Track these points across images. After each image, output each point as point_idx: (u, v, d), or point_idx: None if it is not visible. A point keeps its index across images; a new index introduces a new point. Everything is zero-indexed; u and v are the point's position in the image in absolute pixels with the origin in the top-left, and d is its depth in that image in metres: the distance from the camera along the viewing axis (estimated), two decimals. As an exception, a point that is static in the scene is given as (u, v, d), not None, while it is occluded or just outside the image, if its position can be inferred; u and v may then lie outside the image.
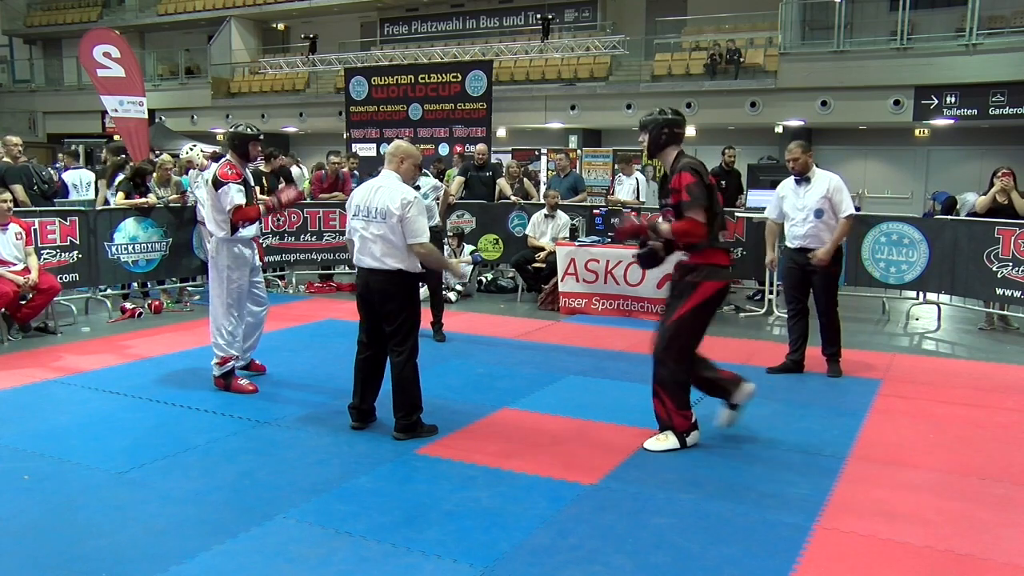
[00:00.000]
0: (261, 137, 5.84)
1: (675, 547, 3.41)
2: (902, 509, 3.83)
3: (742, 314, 8.84)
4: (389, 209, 4.55)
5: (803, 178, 6.19)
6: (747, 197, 8.83)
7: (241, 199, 5.51)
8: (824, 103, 17.61)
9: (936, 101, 16.52)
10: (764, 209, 8.42)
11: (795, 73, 17.70)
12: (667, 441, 4.62)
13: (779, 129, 19.55)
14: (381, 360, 4.81)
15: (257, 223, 5.86)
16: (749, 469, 4.32)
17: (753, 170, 9.21)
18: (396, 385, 4.70)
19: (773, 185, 8.47)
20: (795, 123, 18.90)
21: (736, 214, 9.08)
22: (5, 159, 8.99)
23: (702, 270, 4.52)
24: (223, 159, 5.74)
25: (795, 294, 6.42)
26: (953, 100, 16.39)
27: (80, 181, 10.83)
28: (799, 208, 6.18)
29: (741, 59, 18.48)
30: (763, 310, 8.83)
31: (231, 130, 5.79)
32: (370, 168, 11.70)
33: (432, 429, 4.79)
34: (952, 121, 16.79)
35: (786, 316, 6.64)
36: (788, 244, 6.36)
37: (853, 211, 6.22)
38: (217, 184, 5.51)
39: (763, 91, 18.26)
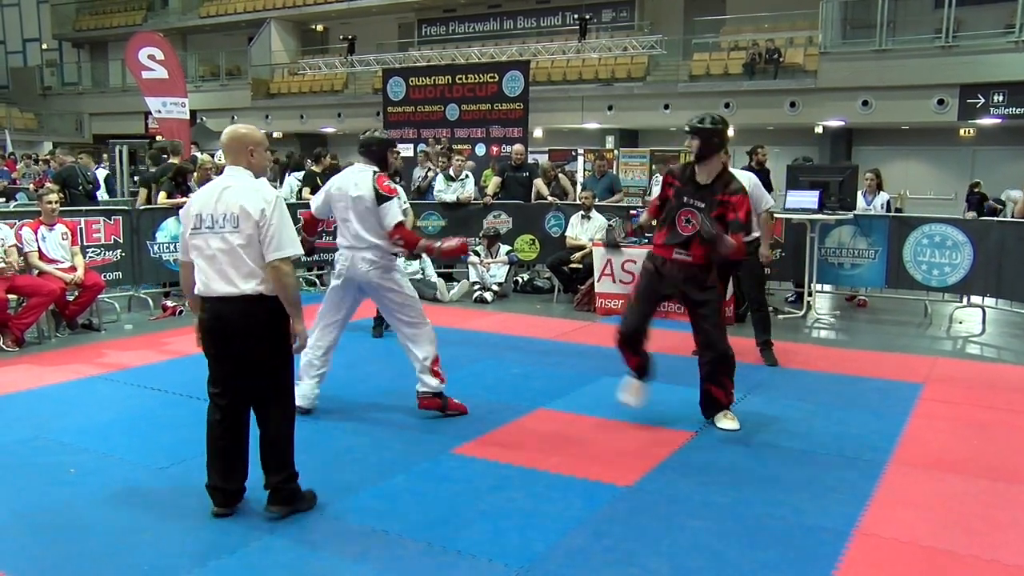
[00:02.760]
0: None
1: (711, 551, 3.39)
2: (946, 516, 3.75)
3: (780, 316, 8.74)
4: (244, 212, 3.48)
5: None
6: (786, 198, 8.72)
7: (401, 216, 4.91)
8: (865, 103, 17.36)
9: (982, 100, 16.20)
10: (803, 210, 8.36)
11: (836, 72, 17.46)
12: (735, 420, 4.94)
13: (819, 129, 19.31)
14: (244, 418, 3.67)
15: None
16: (787, 472, 4.27)
17: (791, 171, 9.10)
18: (268, 445, 3.64)
19: (812, 186, 8.43)
20: (835, 123, 18.66)
21: (775, 215, 8.96)
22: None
23: (712, 268, 4.88)
24: (365, 168, 4.97)
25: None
26: (1000, 99, 16.05)
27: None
28: None
29: (780, 58, 18.28)
30: (801, 312, 8.72)
31: (368, 135, 5.11)
32: (411, 167, 11.78)
33: (311, 497, 3.74)
34: (999, 120, 16.44)
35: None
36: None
37: (773, 204, 6.74)
38: (381, 199, 4.80)
39: (803, 91, 18.04)
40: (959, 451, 4.64)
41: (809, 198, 8.32)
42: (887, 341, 7.62)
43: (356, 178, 4.91)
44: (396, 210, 4.85)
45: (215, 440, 3.64)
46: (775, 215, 8.84)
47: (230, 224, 3.51)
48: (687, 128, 4.80)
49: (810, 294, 8.66)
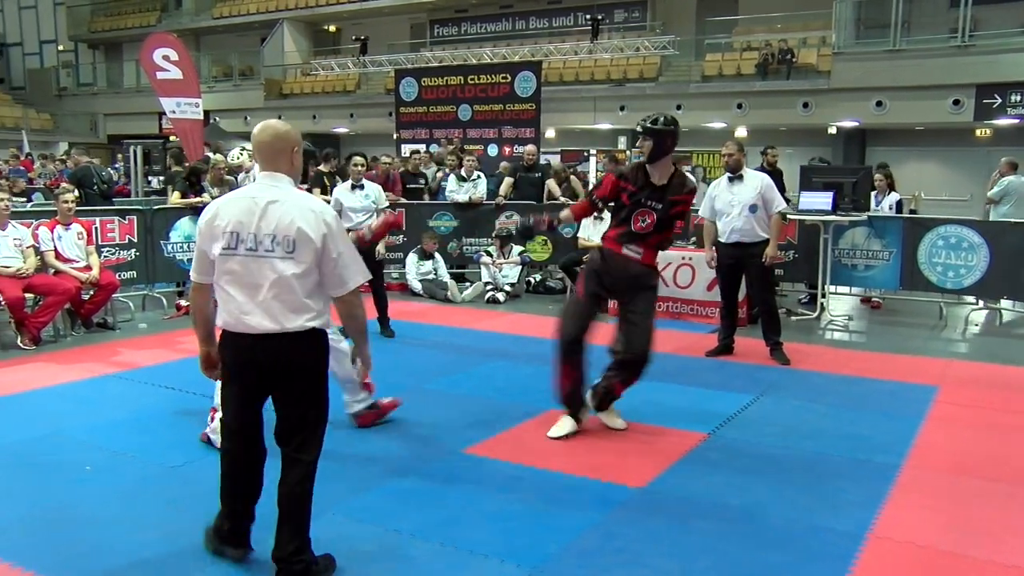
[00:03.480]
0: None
1: (722, 553, 3.38)
2: (963, 521, 3.72)
3: (793, 318, 8.70)
4: (303, 237, 2.90)
5: (736, 176, 6.60)
6: (799, 199, 8.69)
7: None
8: (879, 103, 17.25)
9: (999, 100, 16.06)
10: (816, 212, 8.32)
11: (849, 73, 17.36)
12: (621, 418, 4.97)
13: (832, 130, 19.21)
14: (261, 457, 3.20)
15: None
16: (800, 475, 4.25)
17: (804, 171, 9.06)
18: (289, 505, 3.04)
19: (826, 187, 8.40)
20: (849, 124, 18.57)
21: (788, 216, 8.94)
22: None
23: (656, 272, 4.98)
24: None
25: (728, 286, 6.87)
26: (1017, 99, 15.92)
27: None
28: (732, 204, 6.54)
29: (793, 59, 18.20)
30: (815, 314, 8.68)
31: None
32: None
33: (329, 562, 3.18)
34: (1016, 120, 16.30)
35: (719, 307, 7.10)
36: (722, 240, 6.64)
37: (785, 206, 6.77)
38: None
39: (816, 91, 17.95)
40: (975, 454, 4.61)
41: (823, 199, 8.28)
42: (901, 343, 7.58)
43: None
44: None
45: (233, 476, 3.17)
46: (789, 216, 8.87)
47: (282, 249, 2.90)
48: (639, 128, 4.72)
49: (823, 296, 8.63)
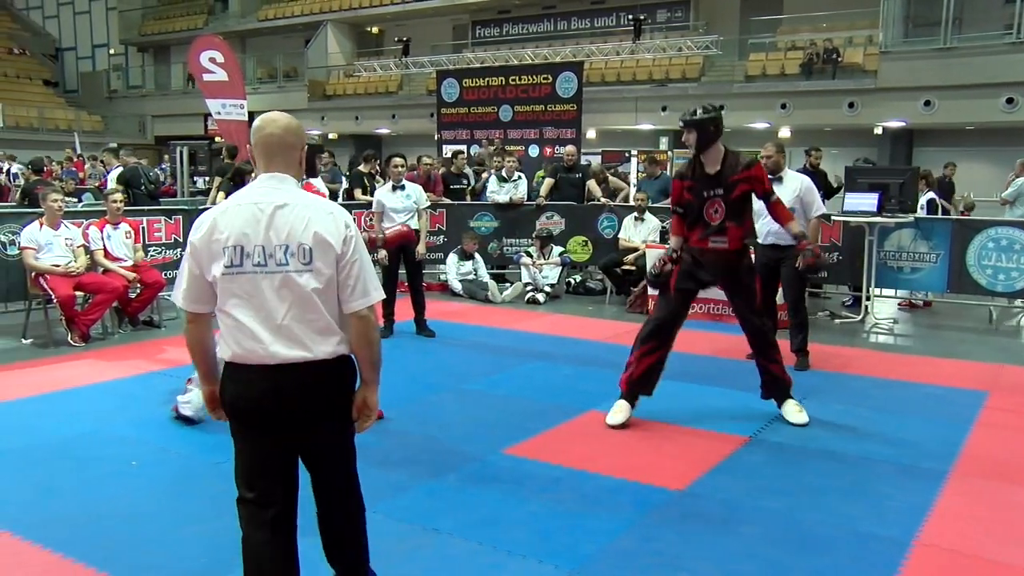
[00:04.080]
0: None
1: (764, 558, 3.33)
2: (1011, 530, 3.63)
3: (837, 320, 8.57)
4: (321, 243, 2.45)
5: (775, 177, 6.43)
6: (844, 200, 8.55)
7: None
8: (927, 103, 16.92)
9: (1055, 98, 15.67)
10: (861, 213, 8.18)
11: (896, 72, 17.06)
12: (804, 412, 5.02)
13: (878, 130, 18.89)
14: (291, 529, 2.64)
15: None
16: (843, 479, 4.18)
17: (850, 172, 8.92)
18: (336, 546, 2.80)
19: (872, 188, 8.25)
20: (896, 124, 18.23)
21: (832, 218, 8.82)
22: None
23: (746, 252, 5.03)
24: None
25: (765, 288, 6.68)
26: (1074, 96, 15.52)
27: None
28: None
29: (839, 58, 17.93)
30: (859, 316, 8.54)
31: None
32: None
33: None
34: (1073, 119, 15.90)
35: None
36: (760, 241, 6.50)
37: (824, 211, 6.69)
38: None
39: (862, 91, 17.67)
40: (1025, 462, 4.49)
41: (868, 200, 8.15)
42: (949, 347, 7.42)
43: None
44: None
45: (262, 567, 2.57)
46: (833, 218, 8.74)
47: (298, 260, 2.44)
48: (681, 123, 4.82)
49: (868, 298, 8.48)
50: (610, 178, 11.12)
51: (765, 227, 6.47)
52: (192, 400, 4.81)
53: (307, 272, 2.44)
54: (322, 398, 2.50)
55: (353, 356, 2.57)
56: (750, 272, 5.07)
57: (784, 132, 19.88)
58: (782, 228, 6.26)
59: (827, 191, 9.81)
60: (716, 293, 8.29)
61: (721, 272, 4.97)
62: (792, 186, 6.49)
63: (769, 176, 6.52)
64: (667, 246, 5.23)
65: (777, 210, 5.12)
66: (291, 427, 2.49)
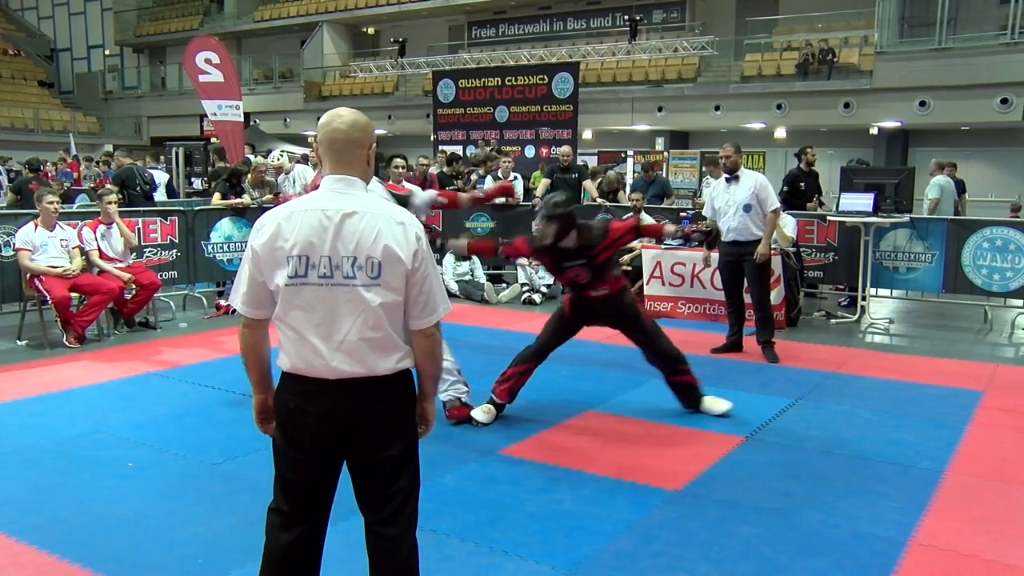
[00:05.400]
0: None
1: (762, 557, 3.34)
2: (1009, 529, 3.64)
3: (833, 321, 8.58)
4: (392, 257, 2.29)
5: (732, 176, 6.77)
6: (839, 201, 8.56)
7: None
8: (923, 103, 16.96)
9: (1049, 98, 15.71)
10: (856, 213, 8.20)
11: (892, 72, 17.10)
12: (721, 399, 5.26)
13: (874, 131, 18.93)
14: (320, 542, 2.53)
15: None
16: (840, 479, 4.19)
17: (845, 173, 8.93)
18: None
19: (867, 188, 8.27)
20: (891, 124, 18.28)
21: (828, 218, 8.84)
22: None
23: (625, 289, 5.32)
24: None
25: (730, 284, 6.98)
26: (1070, 97, 15.56)
27: (159, 181, 11.51)
28: (729, 204, 6.75)
29: (835, 59, 17.97)
30: (855, 316, 8.55)
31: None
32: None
33: None
34: (1067, 119, 15.94)
35: (726, 307, 7.24)
36: (722, 239, 6.74)
37: (778, 205, 6.82)
38: None
39: (857, 91, 17.71)
40: (1021, 461, 4.50)
41: (864, 200, 8.16)
42: (945, 347, 7.43)
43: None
44: None
45: (283, 567, 2.46)
46: (829, 219, 8.76)
47: (365, 274, 2.28)
48: (544, 217, 4.92)
49: (864, 298, 8.49)
50: (609, 173, 11.13)
51: (726, 224, 6.72)
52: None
53: (375, 287, 2.28)
54: (379, 414, 2.36)
55: (413, 370, 2.45)
56: (634, 304, 5.33)
57: (780, 132, 19.92)
58: (740, 227, 6.67)
59: (816, 190, 9.86)
60: (711, 292, 8.36)
61: (611, 314, 5.22)
62: (747, 184, 6.70)
63: (727, 175, 6.83)
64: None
65: (650, 231, 5.53)
66: (345, 441, 2.36)
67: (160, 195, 11.68)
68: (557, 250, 5.01)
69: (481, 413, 5.06)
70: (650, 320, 5.40)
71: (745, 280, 6.85)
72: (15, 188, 11.73)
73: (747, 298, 7.05)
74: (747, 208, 6.66)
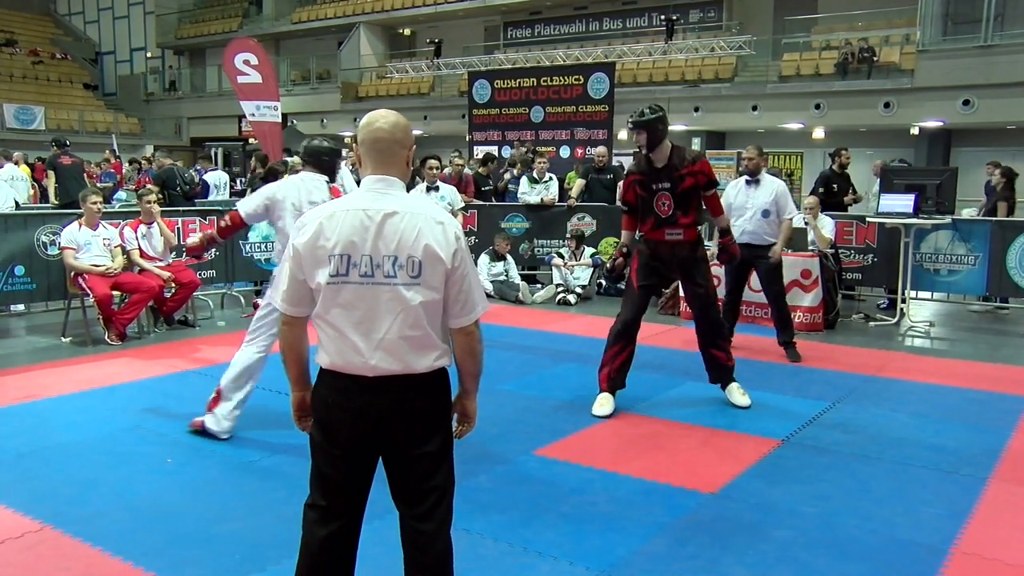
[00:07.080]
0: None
1: (799, 562, 3.30)
2: (1051, 536, 3.56)
3: (872, 323, 8.46)
4: (432, 256, 2.34)
5: (754, 179, 6.77)
6: (879, 201, 8.43)
7: None
8: (967, 102, 16.63)
9: (1101, 95, 15.32)
10: (896, 215, 8.06)
11: (934, 71, 16.78)
12: (747, 395, 5.35)
13: (915, 131, 18.60)
14: (356, 537, 2.55)
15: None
16: (879, 484, 4.12)
17: (886, 173, 8.79)
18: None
19: (908, 189, 8.14)
20: (933, 124, 17.95)
21: (867, 219, 8.71)
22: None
23: (700, 243, 5.36)
24: (316, 178, 4.87)
25: (735, 285, 7.03)
26: (1120, 94, 15.16)
27: (220, 182, 11.60)
28: (747, 206, 6.73)
29: (875, 57, 17.68)
30: (894, 319, 8.41)
31: (315, 144, 4.97)
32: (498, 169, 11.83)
33: None
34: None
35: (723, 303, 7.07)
36: (735, 240, 6.70)
37: (796, 214, 6.91)
38: None
39: (898, 91, 17.41)
40: (1067, 468, 4.40)
41: (904, 202, 8.03)
42: (989, 351, 7.28)
43: (309, 187, 4.73)
44: None
45: (322, 560, 2.49)
46: (868, 220, 8.64)
47: (406, 273, 2.33)
48: (630, 124, 5.08)
49: (904, 301, 8.36)
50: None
51: (740, 226, 6.68)
52: (218, 413, 4.71)
53: (415, 286, 2.33)
54: (416, 411, 2.40)
55: (450, 367, 2.47)
56: (705, 263, 5.37)
57: (818, 133, 19.66)
58: (756, 231, 6.63)
59: (847, 192, 9.73)
60: (747, 294, 8.28)
61: (678, 263, 5.29)
62: (768, 189, 6.69)
63: (747, 177, 6.81)
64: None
65: (712, 202, 5.36)
66: (382, 438, 2.40)
67: (223, 195, 11.90)
68: (648, 168, 5.15)
69: (598, 406, 5.18)
70: (713, 286, 5.45)
71: (753, 282, 6.92)
72: (49, 165, 12.09)
73: (753, 298, 7.26)
74: (766, 214, 6.67)
